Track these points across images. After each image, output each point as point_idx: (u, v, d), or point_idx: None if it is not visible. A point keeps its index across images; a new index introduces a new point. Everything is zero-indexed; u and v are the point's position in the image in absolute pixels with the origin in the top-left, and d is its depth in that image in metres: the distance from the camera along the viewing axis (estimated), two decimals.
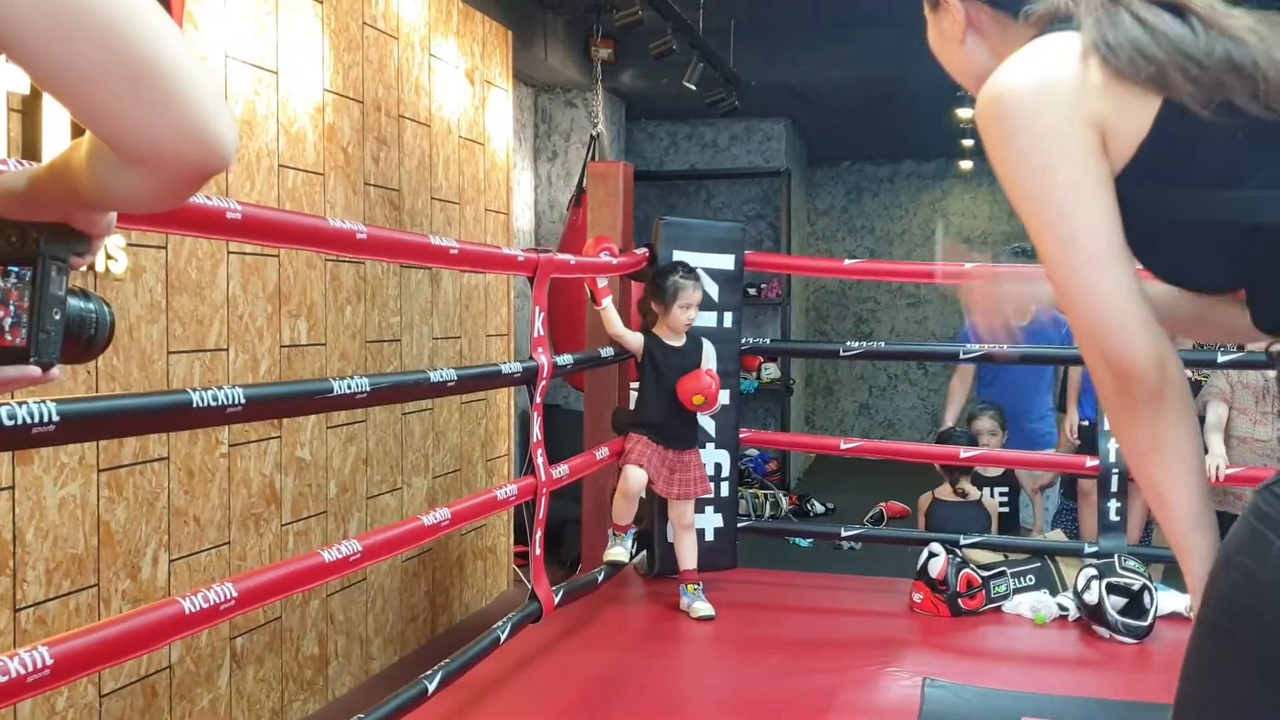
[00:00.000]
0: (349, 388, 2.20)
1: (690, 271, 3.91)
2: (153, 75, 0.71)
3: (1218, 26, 1.09)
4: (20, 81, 2.40)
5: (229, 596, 1.88)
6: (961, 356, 4.29)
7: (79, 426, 1.65)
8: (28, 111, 2.48)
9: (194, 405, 1.78)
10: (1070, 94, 1.10)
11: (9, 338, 0.86)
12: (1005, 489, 4.69)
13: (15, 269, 0.86)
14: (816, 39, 6.73)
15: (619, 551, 3.81)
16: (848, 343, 4.32)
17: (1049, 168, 1.09)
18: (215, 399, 1.81)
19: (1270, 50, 1.07)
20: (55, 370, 0.90)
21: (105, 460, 2.80)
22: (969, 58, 1.30)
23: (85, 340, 0.93)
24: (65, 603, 2.67)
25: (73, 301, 0.91)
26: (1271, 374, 3.96)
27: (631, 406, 4.03)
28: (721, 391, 4.01)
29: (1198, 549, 1.13)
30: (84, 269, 2.62)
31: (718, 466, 4.23)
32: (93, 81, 0.71)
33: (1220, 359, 3.92)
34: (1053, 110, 1.10)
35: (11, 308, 0.86)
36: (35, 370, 0.88)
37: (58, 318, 0.89)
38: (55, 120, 2.48)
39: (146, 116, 0.72)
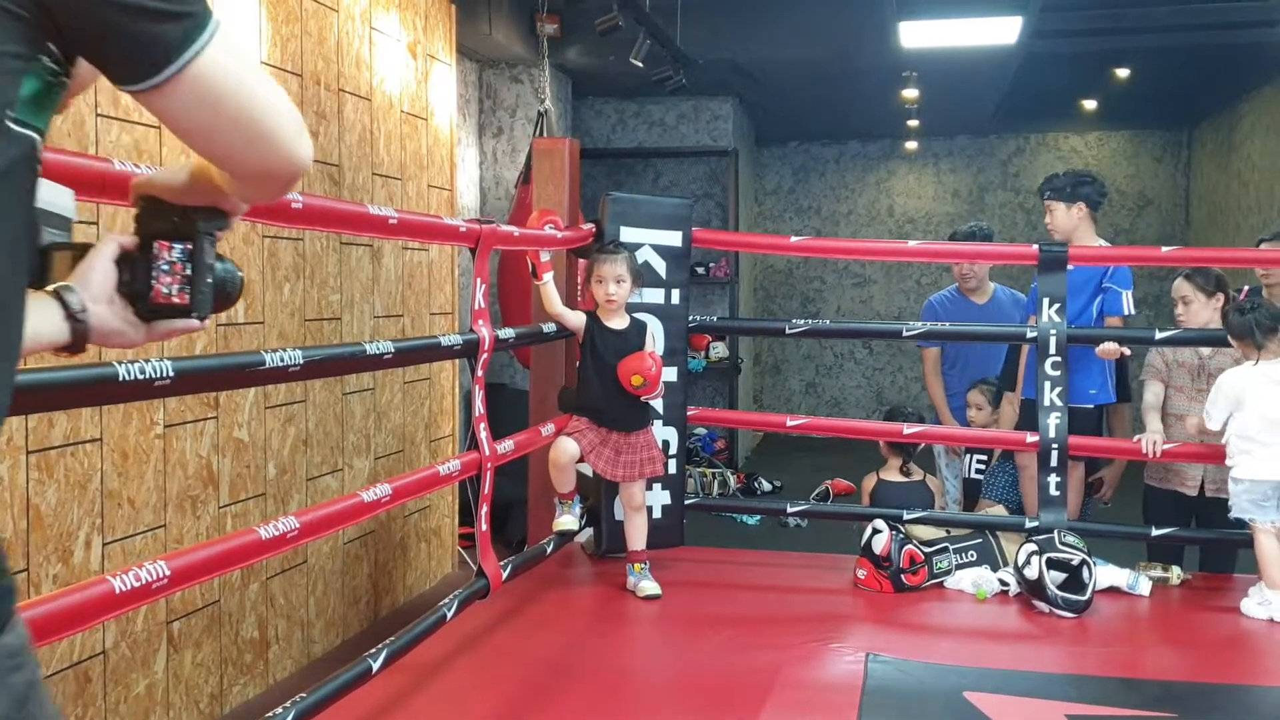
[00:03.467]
0: (282, 360, 2.14)
1: (614, 247, 3.83)
2: (263, 135, 1.03)
3: None
4: None
5: (161, 575, 1.82)
6: (904, 334, 4.30)
7: None
8: None
9: (120, 379, 1.71)
10: None
11: (176, 300, 1.11)
12: (984, 457, 4.69)
13: (179, 245, 1.11)
14: (764, 17, 6.72)
15: (568, 520, 3.76)
16: (794, 320, 4.31)
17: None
18: (143, 371, 1.75)
19: None
20: (206, 320, 1.16)
21: (34, 442, 2.72)
22: None
23: (225, 296, 1.17)
24: None
25: (218, 265, 1.15)
26: (1206, 351, 4.00)
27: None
28: (669, 369, 3.99)
29: None
30: None
31: (665, 444, 4.21)
32: (225, 144, 1.03)
33: (1157, 335, 3.97)
34: None
35: (178, 276, 1.11)
36: (196, 323, 1.15)
37: (209, 280, 1.13)
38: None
39: (255, 159, 1.05)
